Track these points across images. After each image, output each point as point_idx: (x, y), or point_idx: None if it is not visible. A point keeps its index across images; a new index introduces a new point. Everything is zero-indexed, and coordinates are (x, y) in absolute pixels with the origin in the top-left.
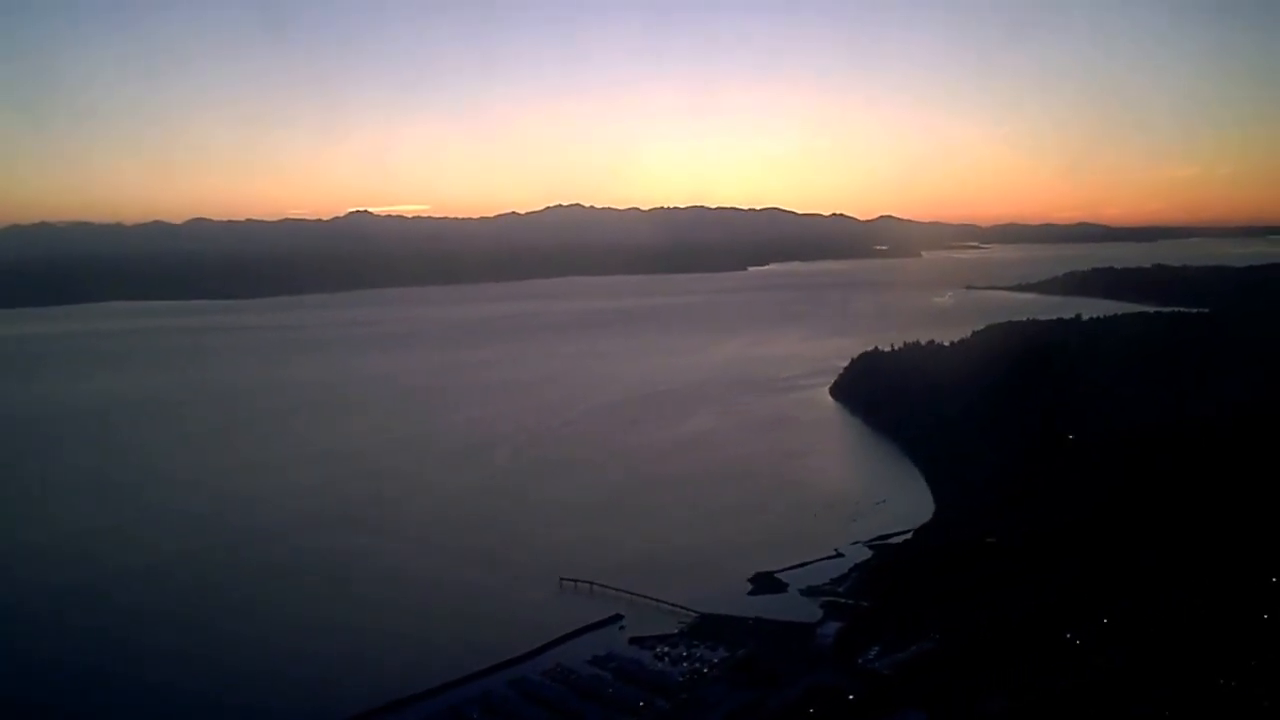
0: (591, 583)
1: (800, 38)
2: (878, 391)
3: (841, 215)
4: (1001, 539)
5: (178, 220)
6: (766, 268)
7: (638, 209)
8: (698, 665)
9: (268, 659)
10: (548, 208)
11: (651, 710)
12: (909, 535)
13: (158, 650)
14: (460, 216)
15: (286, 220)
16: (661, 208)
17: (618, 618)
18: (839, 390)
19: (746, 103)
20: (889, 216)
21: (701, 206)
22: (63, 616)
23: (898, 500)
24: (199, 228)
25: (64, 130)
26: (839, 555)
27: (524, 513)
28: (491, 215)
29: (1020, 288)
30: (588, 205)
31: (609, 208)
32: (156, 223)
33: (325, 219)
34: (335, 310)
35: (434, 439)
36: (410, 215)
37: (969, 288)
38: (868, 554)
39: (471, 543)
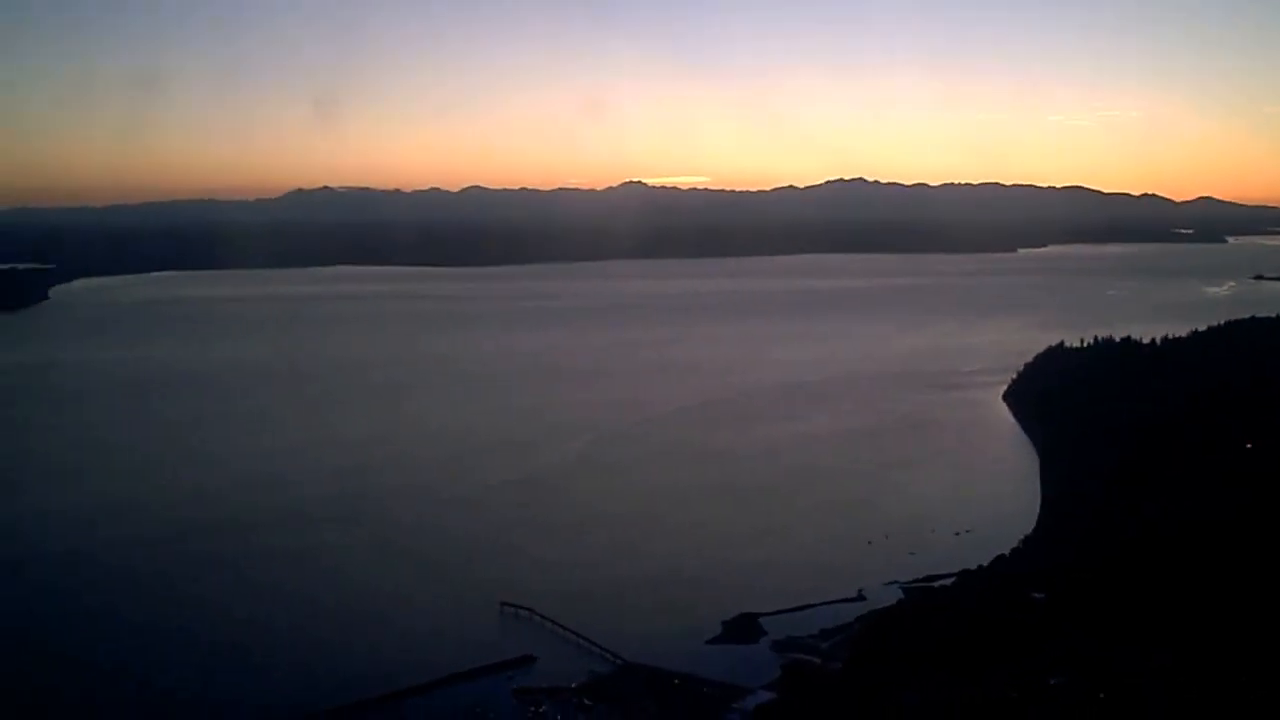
0: (532, 610)
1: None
2: (1047, 395)
3: (1153, 195)
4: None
5: (454, 188)
6: (1042, 250)
7: (925, 185)
8: None
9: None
10: (827, 182)
11: None
12: (952, 580)
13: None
14: (736, 189)
15: (560, 189)
16: (952, 184)
17: (529, 659)
18: (1013, 390)
19: (1046, 73)
20: (1207, 198)
21: (996, 184)
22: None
23: (991, 531)
24: (474, 195)
25: (354, 101)
26: (859, 598)
27: (534, 518)
28: (768, 189)
29: None
30: (871, 180)
31: (895, 183)
32: (434, 190)
33: (599, 188)
34: (573, 281)
35: (511, 424)
36: (685, 187)
37: (1258, 278)
38: (896, 598)
39: (446, 549)
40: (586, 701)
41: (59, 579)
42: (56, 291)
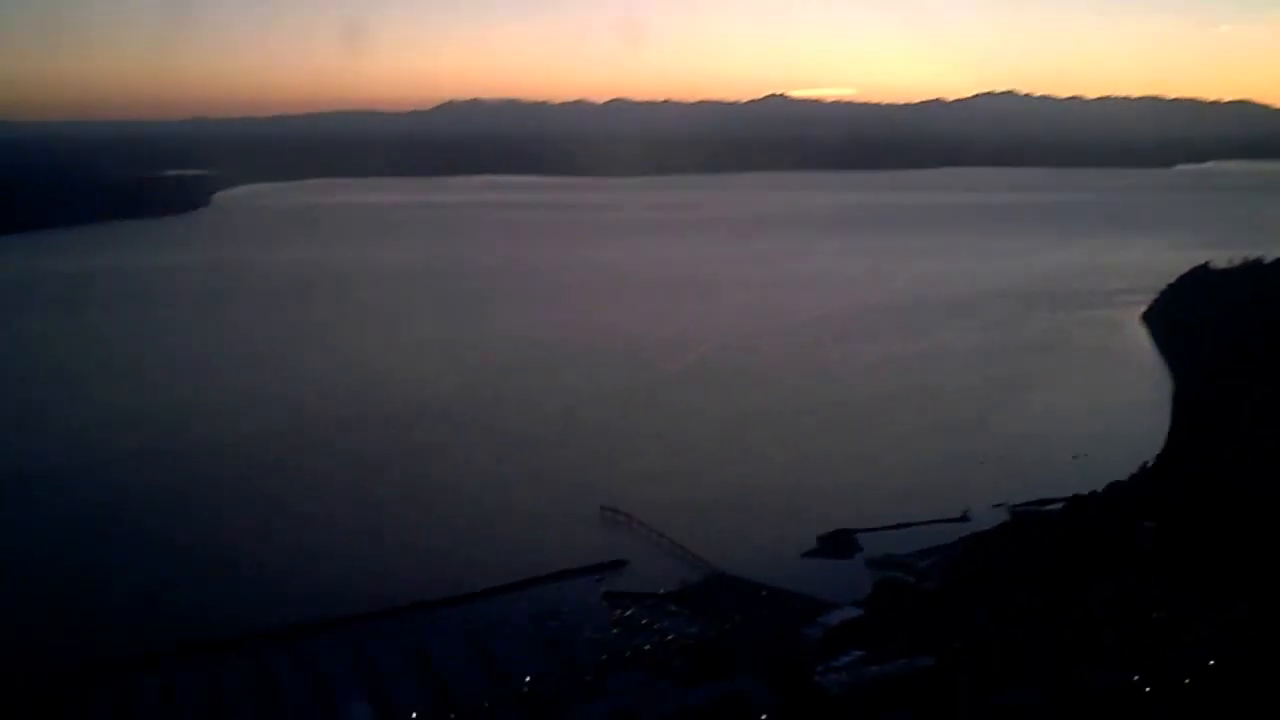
0: (630, 516)
1: None
2: (1188, 318)
3: None
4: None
5: (599, 99)
6: (1201, 165)
7: (1080, 98)
8: (647, 638)
9: (259, 551)
10: (975, 96)
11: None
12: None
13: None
14: (882, 102)
15: (704, 102)
16: (1108, 97)
17: (621, 564)
18: (1153, 312)
19: None
20: None
21: (1155, 98)
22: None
23: (1110, 456)
24: (619, 108)
25: (504, 13)
26: (963, 519)
27: (642, 427)
28: (915, 102)
29: None
30: (1022, 93)
31: (1047, 96)
32: (580, 102)
33: (743, 101)
34: (715, 193)
35: (634, 333)
36: (830, 99)
37: None
38: (1001, 520)
39: (554, 453)
40: (673, 607)
41: (196, 468)
42: (219, 197)
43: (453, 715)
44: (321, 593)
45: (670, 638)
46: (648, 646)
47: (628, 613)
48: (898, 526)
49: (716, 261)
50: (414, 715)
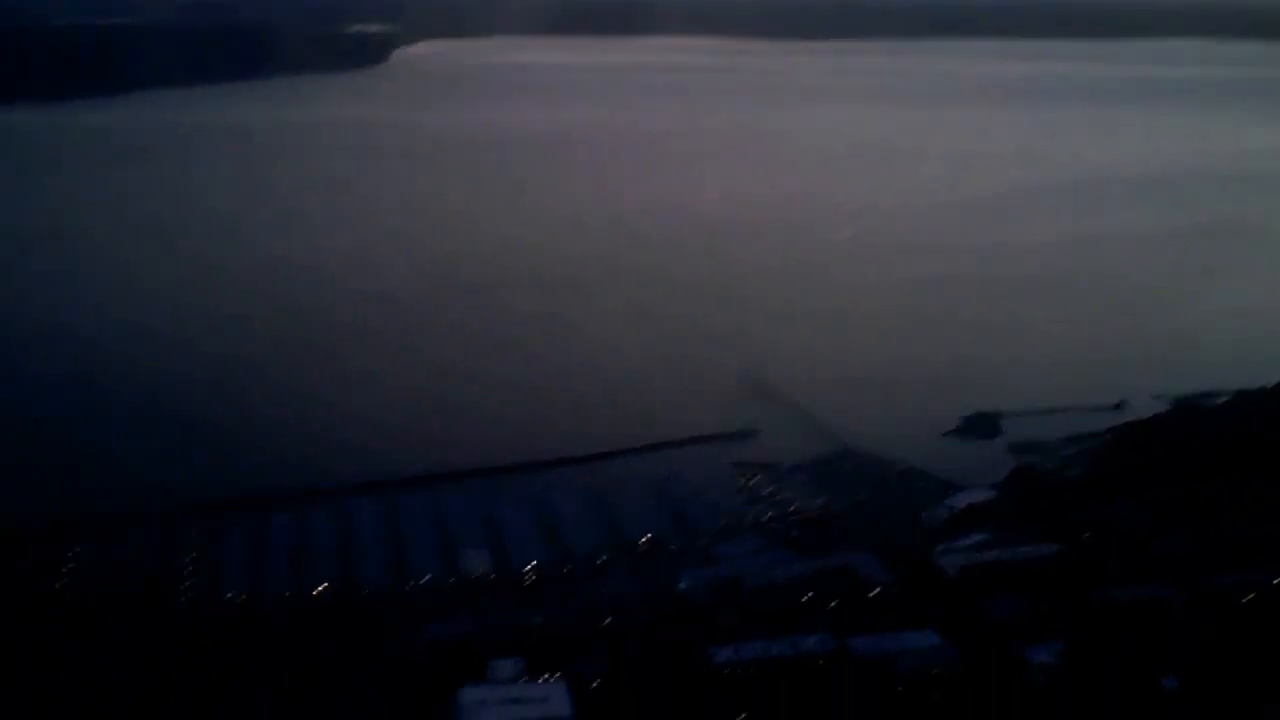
0: (769, 387)
1: None
2: None
3: None
4: None
5: None
6: None
7: None
8: (768, 508)
9: (398, 402)
10: None
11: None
12: (1227, 398)
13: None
14: None
15: None
16: None
17: (752, 433)
18: None
19: None
20: None
21: None
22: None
23: None
24: None
25: None
26: (1117, 408)
27: (790, 300)
28: None
29: None
30: None
31: None
32: None
33: None
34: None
35: (796, 204)
36: None
37: None
38: (1158, 410)
39: (702, 322)
40: (800, 479)
41: (350, 318)
42: (399, 54)
43: (567, 568)
44: (452, 445)
45: (792, 509)
46: (768, 516)
47: (753, 481)
48: (1047, 411)
49: (904, 131)
50: (529, 565)
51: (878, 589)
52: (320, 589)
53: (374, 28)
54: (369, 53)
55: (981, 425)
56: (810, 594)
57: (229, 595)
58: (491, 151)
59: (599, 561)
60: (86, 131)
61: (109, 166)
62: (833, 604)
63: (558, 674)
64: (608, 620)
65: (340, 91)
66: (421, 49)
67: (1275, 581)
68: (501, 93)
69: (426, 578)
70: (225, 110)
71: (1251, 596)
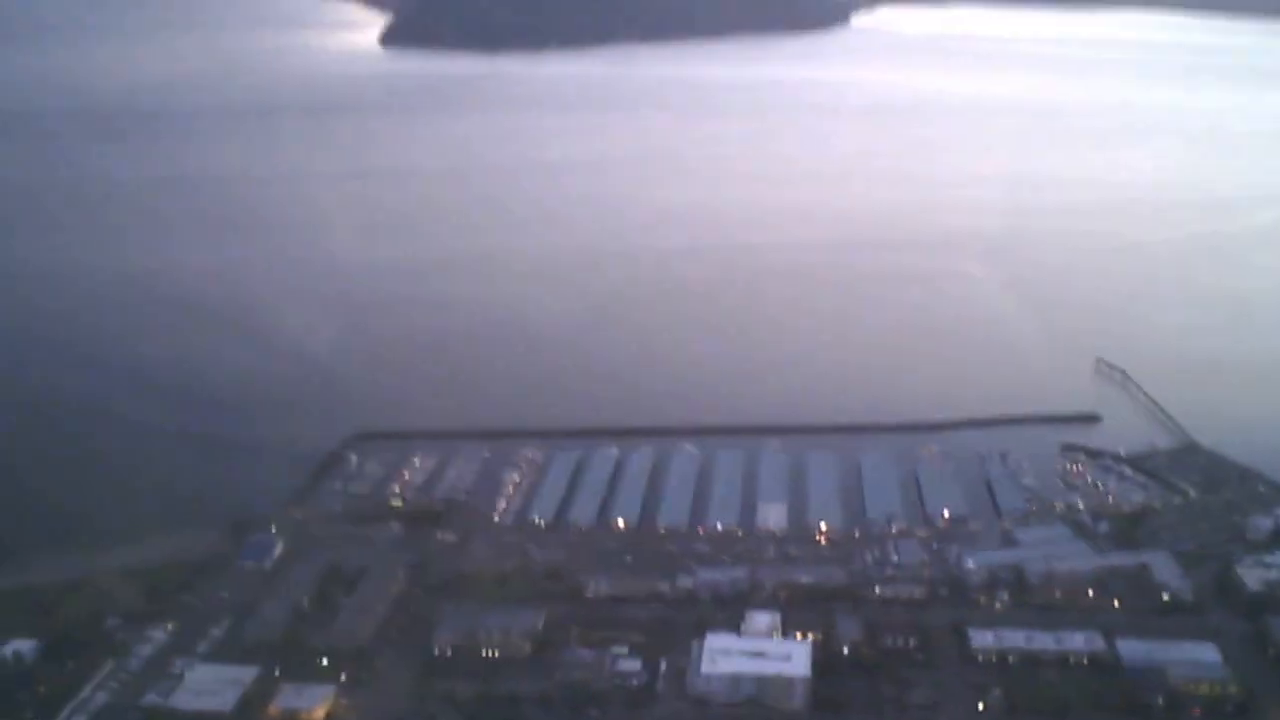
0: (1124, 373)
1: None
2: None
3: None
4: None
5: None
6: None
7: None
8: (1085, 496)
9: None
10: None
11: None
12: None
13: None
14: None
15: None
16: None
17: (1094, 418)
18: None
19: None
20: None
21: None
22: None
23: None
24: None
25: None
26: None
27: (1148, 283)
28: None
29: None
30: None
31: None
32: None
33: None
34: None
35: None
36: None
37: None
38: None
39: (1065, 299)
40: (1127, 471)
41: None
42: (858, 19)
43: (859, 533)
44: (766, 401)
45: (1110, 500)
46: (1081, 505)
47: (1076, 465)
48: None
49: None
50: (821, 523)
51: (1169, 594)
52: (620, 520)
53: None
54: (830, 15)
55: None
56: (1096, 591)
57: (533, 517)
58: (911, 113)
59: (893, 530)
60: (559, 80)
61: (606, 112)
62: (1116, 603)
63: (809, 635)
64: (876, 589)
65: (798, 52)
66: (882, 14)
67: None
68: (946, 59)
69: (720, 525)
70: (680, 66)
71: None
